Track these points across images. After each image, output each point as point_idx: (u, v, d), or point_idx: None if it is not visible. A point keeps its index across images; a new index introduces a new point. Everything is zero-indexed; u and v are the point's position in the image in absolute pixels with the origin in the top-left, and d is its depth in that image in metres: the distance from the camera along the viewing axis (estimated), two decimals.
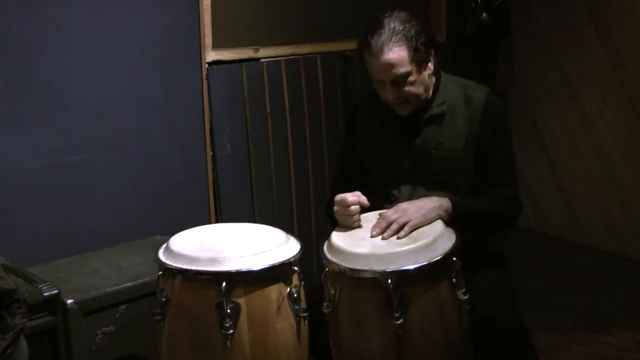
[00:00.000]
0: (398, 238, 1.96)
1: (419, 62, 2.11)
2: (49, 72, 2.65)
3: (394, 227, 1.98)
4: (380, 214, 2.05)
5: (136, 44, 2.87)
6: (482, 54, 3.89)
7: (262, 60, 3.25)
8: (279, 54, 3.31)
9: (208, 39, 3.05)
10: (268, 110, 3.27)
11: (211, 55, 3.07)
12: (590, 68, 3.95)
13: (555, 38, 4.11)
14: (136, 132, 2.90)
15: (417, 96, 2.15)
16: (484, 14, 3.76)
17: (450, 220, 2.05)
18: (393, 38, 2.06)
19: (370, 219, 2.09)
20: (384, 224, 1.99)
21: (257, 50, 3.23)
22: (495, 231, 2.25)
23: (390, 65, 2.07)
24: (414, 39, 2.08)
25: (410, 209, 2.02)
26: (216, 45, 3.08)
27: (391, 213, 2.02)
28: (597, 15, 3.86)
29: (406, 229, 1.97)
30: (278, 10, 3.33)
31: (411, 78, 2.10)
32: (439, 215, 2.04)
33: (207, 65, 3.06)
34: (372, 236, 1.98)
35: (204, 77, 3.06)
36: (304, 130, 3.41)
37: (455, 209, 2.06)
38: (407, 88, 2.11)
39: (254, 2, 3.24)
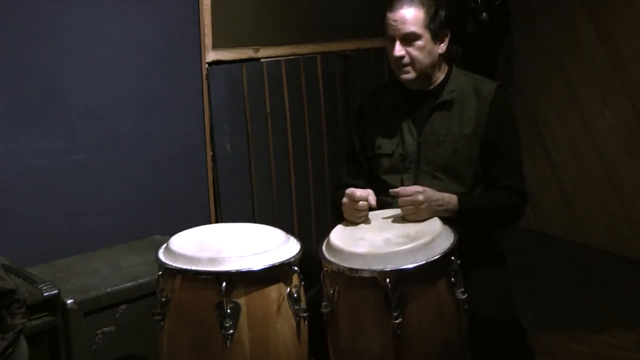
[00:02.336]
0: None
1: (433, 32, 2.19)
2: (49, 72, 2.65)
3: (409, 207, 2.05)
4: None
5: (136, 44, 2.87)
6: (482, 54, 3.88)
7: (262, 60, 3.25)
8: (279, 54, 3.30)
9: (208, 39, 3.05)
10: (268, 110, 3.27)
11: (211, 55, 3.07)
12: (590, 68, 3.94)
13: (555, 38, 4.11)
14: (136, 132, 2.90)
15: (421, 65, 2.20)
16: (484, 14, 3.75)
17: (454, 217, 2.07)
18: (415, 0, 2.18)
19: (372, 217, 2.09)
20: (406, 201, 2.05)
21: (257, 50, 3.23)
22: (500, 225, 2.29)
23: (404, 20, 2.17)
24: (432, 8, 2.19)
25: (427, 203, 2.05)
26: (216, 45, 3.08)
27: (414, 195, 2.05)
28: (597, 16, 3.85)
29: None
30: (278, 10, 3.32)
31: (420, 42, 2.18)
32: (443, 214, 2.07)
33: (207, 65, 3.06)
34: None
35: (204, 77, 3.06)
36: (304, 130, 3.41)
37: (460, 208, 2.09)
38: (414, 51, 2.18)
39: (254, 2, 3.24)
